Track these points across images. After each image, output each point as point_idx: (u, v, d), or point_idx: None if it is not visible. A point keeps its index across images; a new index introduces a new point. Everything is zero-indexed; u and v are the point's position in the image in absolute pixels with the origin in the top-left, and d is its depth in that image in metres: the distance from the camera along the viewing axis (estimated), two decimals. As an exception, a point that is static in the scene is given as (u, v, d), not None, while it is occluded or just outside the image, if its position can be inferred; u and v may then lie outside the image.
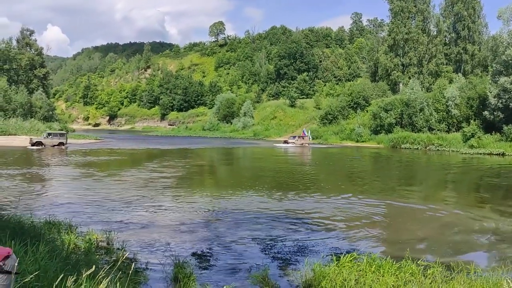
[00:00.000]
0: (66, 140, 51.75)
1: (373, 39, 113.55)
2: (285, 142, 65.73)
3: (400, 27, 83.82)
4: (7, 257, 4.00)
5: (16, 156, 39.32)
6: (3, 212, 9.85)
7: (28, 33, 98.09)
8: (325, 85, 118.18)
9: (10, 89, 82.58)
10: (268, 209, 16.11)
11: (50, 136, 50.67)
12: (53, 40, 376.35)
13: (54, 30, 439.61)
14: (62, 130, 61.40)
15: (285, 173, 29.85)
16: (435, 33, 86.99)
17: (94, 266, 4.20)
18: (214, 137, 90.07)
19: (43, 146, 48.80)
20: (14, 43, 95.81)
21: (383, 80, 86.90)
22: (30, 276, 3.95)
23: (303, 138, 66.17)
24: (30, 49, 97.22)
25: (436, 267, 7.79)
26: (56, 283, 3.69)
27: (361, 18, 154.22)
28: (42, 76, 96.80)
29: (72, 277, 3.72)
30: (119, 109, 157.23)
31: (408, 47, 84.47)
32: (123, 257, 5.55)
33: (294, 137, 67.23)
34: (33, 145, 48.53)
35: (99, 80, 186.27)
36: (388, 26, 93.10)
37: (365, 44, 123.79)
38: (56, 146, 49.48)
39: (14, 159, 36.72)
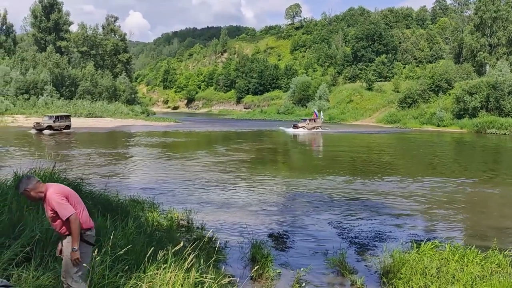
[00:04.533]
0: (71, 123, 47.71)
1: (458, 18, 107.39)
2: (294, 126, 56.37)
3: (488, 5, 78.63)
4: (89, 229, 4.48)
5: (102, 137, 41.67)
6: (94, 189, 10.48)
7: (112, 19, 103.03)
8: (404, 67, 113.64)
9: (96, 73, 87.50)
10: (343, 193, 15.93)
11: (58, 120, 46.11)
12: (135, 25, 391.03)
13: (136, 16, 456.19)
14: (67, 112, 56.37)
15: (359, 157, 29.27)
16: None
17: (182, 242, 4.37)
18: (288, 120, 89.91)
19: (53, 130, 44.11)
20: (100, 29, 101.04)
21: (467, 61, 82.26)
22: (123, 250, 4.20)
23: (314, 121, 57.96)
24: (115, 35, 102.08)
25: (527, 260, 7.36)
26: (147, 256, 3.91)
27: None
28: (125, 60, 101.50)
29: (162, 252, 3.91)
30: (196, 93, 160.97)
31: (496, 26, 79.22)
32: (206, 237, 5.72)
33: (305, 120, 59.00)
34: (41, 130, 43.38)
35: (178, 64, 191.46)
36: (474, 4, 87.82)
37: (448, 24, 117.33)
38: (63, 130, 45.62)
39: (99, 139, 38.93)
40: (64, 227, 4.42)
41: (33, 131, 43.30)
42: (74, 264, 4.36)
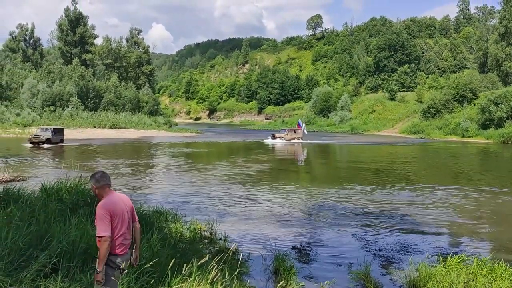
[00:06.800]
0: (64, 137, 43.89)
1: (482, 27, 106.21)
2: (272, 136, 55.21)
3: (513, 14, 77.65)
4: (115, 255, 4.39)
5: (126, 147, 42.17)
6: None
7: (136, 32, 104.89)
8: (427, 77, 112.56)
9: (120, 85, 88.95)
10: (366, 203, 15.75)
11: (55, 133, 42.03)
12: (158, 37, 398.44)
13: (159, 28, 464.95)
14: (60, 125, 54.76)
15: (381, 167, 28.93)
16: (554, 18, 79.38)
17: (207, 256, 4.38)
18: (310, 131, 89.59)
19: (52, 143, 40.36)
20: (124, 42, 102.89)
21: (492, 71, 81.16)
22: (149, 263, 4.22)
23: (294, 132, 56.39)
24: (138, 47, 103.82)
25: (558, 275, 7.15)
26: (172, 268, 3.93)
27: (468, 5, 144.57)
28: (148, 72, 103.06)
29: (187, 265, 3.92)
30: (218, 104, 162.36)
31: (522, 35, 78.11)
32: (229, 249, 5.73)
33: (284, 130, 57.92)
34: (39, 143, 39.48)
35: (200, 75, 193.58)
36: (499, 13, 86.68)
37: (472, 33, 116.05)
38: (58, 143, 41.82)
39: (123, 150, 39.41)
40: (98, 241, 4.34)
41: (28, 145, 39.04)
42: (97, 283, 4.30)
